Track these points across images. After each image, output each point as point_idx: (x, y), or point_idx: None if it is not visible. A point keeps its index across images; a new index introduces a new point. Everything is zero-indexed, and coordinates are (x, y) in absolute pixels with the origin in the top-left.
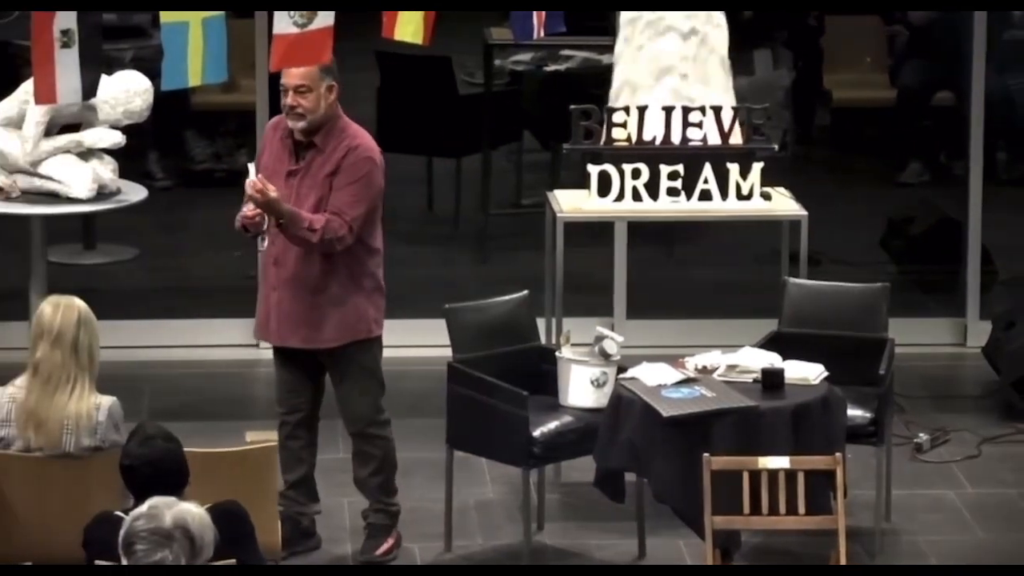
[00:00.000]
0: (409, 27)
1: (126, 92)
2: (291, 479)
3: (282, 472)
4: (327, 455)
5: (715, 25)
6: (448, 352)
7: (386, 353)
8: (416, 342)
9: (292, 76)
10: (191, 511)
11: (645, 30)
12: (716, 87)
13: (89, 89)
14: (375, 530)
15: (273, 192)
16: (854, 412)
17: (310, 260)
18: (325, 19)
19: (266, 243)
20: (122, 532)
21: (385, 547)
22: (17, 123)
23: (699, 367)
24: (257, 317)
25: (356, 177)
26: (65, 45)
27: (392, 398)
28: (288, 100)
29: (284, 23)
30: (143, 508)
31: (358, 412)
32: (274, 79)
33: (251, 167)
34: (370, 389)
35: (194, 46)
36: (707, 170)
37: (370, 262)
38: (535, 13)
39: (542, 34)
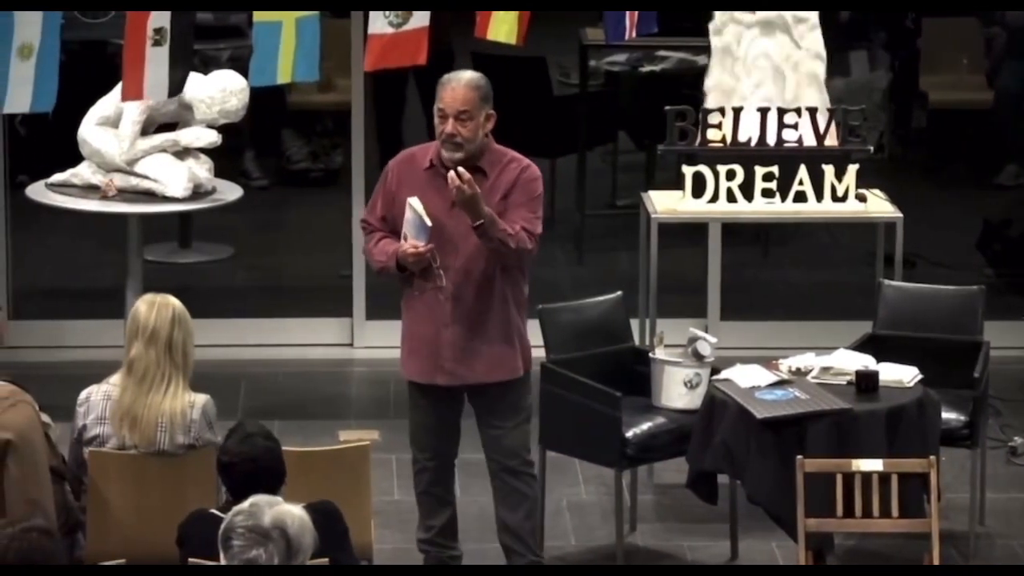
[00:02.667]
0: (503, 27)
1: (222, 91)
2: (437, 524)
3: (425, 518)
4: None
5: (810, 26)
6: (542, 353)
7: None
8: None
9: (454, 102)
10: (292, 512)
11: (739, 31)
12: (811, 88)
13: (175, 87)
14: None
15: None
16: (949, 415)
17: (488, 292)
18: (420, 19)
19: (443, 277)
20: (222, 526)
21: None
22: (114, 122)
23: (793, 369)
24: (414, 357)
25: (533, 195)
26: (157, 43)
27: None
28: (447, 128)
29: (379, 23)
30: (244, 505)
31: (513, 447)
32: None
33: (415, 201)
34: (525, 423)
35: (286, 45)
36: (802, 171)
37: (526, 291)
38: (628, 14)
39: (634, 35)
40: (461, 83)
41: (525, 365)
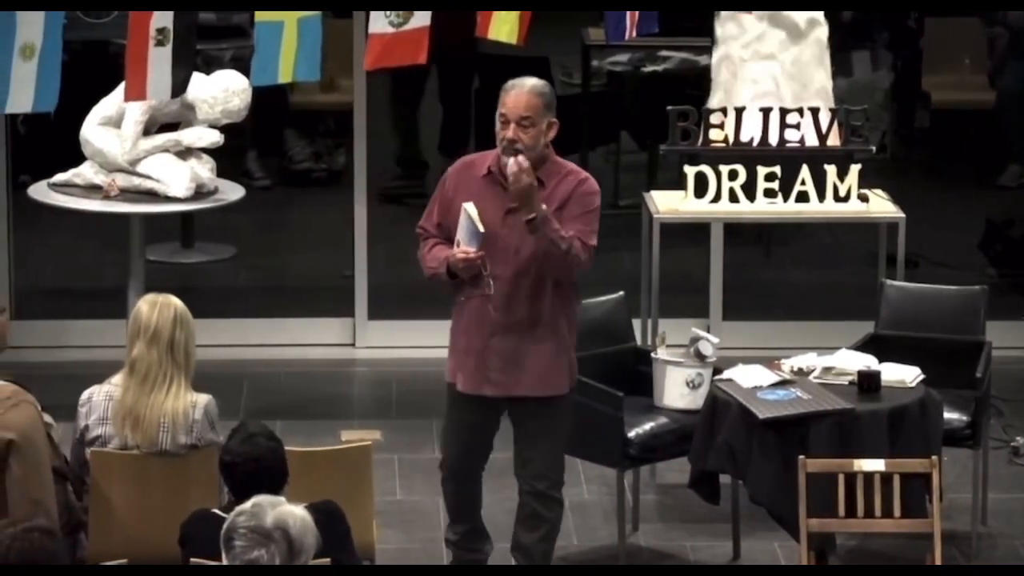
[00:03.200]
0: (504, 27)
1: (225, 91)
2: (462, 530)
3: (452, 523)
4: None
5: (815, 26)
6: None
7: None
8: None
9: (517, 107)
10: (294, 513)
11: (742, 31)
12: (814, 88)
13: (179, 87)
14: None
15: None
16: (951, 415)
17: (539, 305)
18: (421, 19)
19: (492, 286)
20: (224, 526)
21: None
22: (116, 122)
23: (795, 369)
24: (462, 366)
25: (590, 208)
26: (160, 43)
27: None
28: (508, 133)
29: (380, 23)
30: (247, 505)
31: (544, 470)
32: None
33: (470, 206)
34: (560, 445)
35: (288, 44)
36: (804, 171)
37: (578, 311)
38: (628, 14)
39: (634, 34)
40: (525, 89)
41: (571, 383)
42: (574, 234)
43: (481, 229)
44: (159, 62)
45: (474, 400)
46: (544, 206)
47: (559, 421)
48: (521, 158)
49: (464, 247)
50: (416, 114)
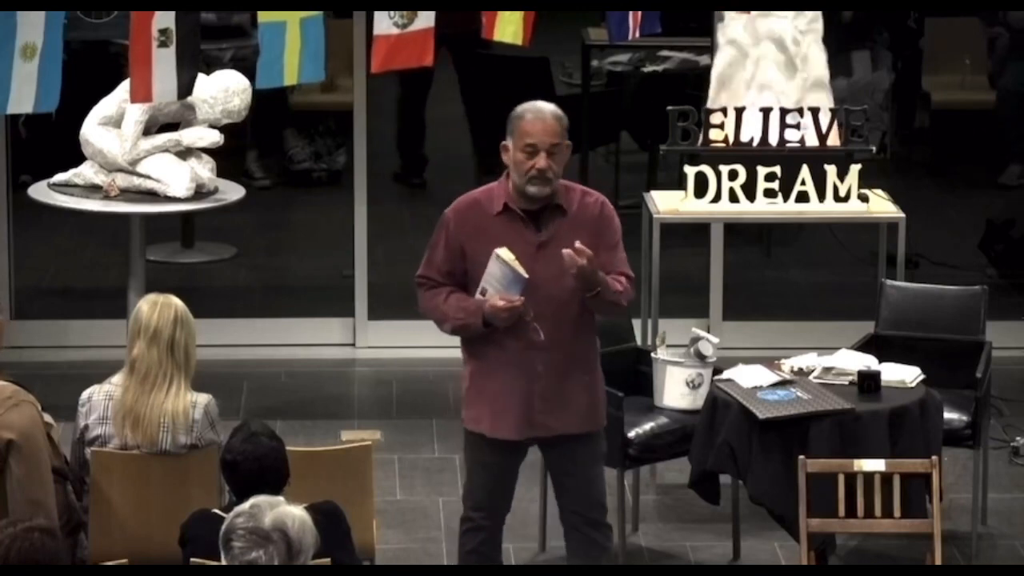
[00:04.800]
0: (509, 28)
1: (225, 91)
2: None
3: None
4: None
5: (812, 27)
6: None
7: None
8: None
9: (547, 135)
10: (292, 514)
11: (742, 31)
12: (814, 88)
13: (185, 88)
14: None
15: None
16: (951, 415)
17: (578, 338)
18: (426, 20)
19: (541, 332)
20: (223, 527)
21: None
22: (116, 122)
23: (795, 369)
24: (503, 415)
25: (619, 234)
26: (163, 44)
27: None
28: (539, 163)
29: (384, 24)
30: (245, 506)
31: (597, 498)
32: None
33: (504, 252)
34: (603, 471)
35: (291, 45)
36: (804, 172)
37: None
38: (631, 14)
39: (637, 35)
40: (549, 115)
41: (605, 413)
42: (624, 278)
43: (524, 274)
44: (163, 63)
45: (505, 443)
46: (601, 274)
47: (600, 448)
48: (577, 244)
49: (503, 295)
50: (423, 108)
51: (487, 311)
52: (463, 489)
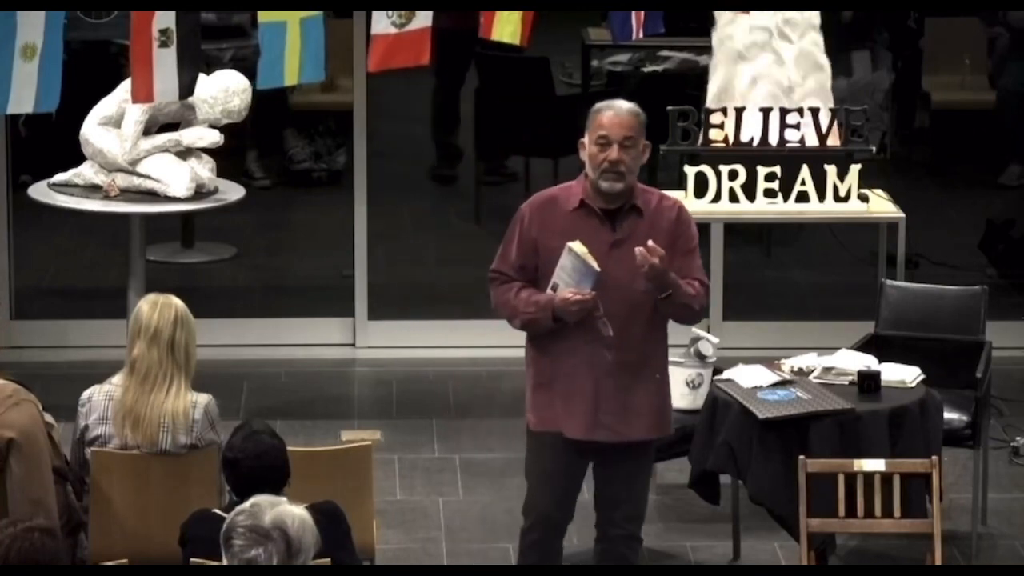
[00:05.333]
0: (507, 28)
1: (225, 91)
2: None
3: None
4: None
5: (812, 26)
6: None
7: (481, 354)
8: (513, 343)
9: (620, 127)
10: (292, 513)
11: (742, 31)
12: (814, 89)
13: (186, 89)
14: None
15: None
16: (951, 415)
17: (649, 339)
18: (424, 19)
19: (609, 327)
20: (224, 525)
21: None
22: (116, 122)
23: (795, 369)
24: (570, 414)
25: (695, 240)
26: (163, 44)
27: (489, 399)
28: (612, 155)
29: (382, 24)
30: (246, 504)
31: (638, 512)
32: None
33: (577, 245)
34: (648, 483)
35: (292, 46)
36: (804, 172)
37: None
38: (634, 14)
39: (641, 35)
40: (623, 109)
41: (671, 420)
42: (698, 282)
43: (596, 267)
44: (163, 63)
45: (572, 445)
46: (673, 276)
47: (651, 460)
48: (650, 243)
49: (574, 288)
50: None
51: (557, 305)
52: (525, 500)
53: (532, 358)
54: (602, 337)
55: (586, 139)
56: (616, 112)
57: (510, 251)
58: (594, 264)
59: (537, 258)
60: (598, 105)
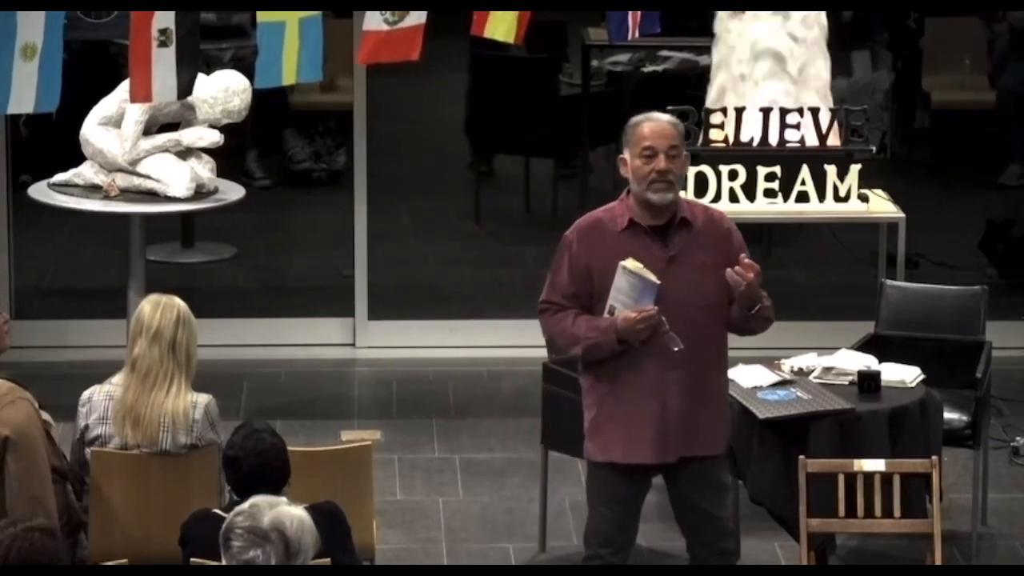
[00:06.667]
0: (501, 26)
1: (225, 91)
2: None
3: None
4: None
5: (814, 27)
6: (544, 353)
7: (483, 353)
8: (513, 343)
9: (664, 137)
10: (291, 514)
11: (742, 31)
12: (814, 88)
13: (184, 88)
14: None
15: None
16: (951, 415)
17: (711, 353)
18: (416, 18)
19: (678, 340)
20: (224, 525)
21: None
22: (116, 122)
23: (795, 369)
24: (640, 439)
25: (746, 247)
26: (163, 44)
27: (489, 399)
28: (660, 164)
29: (375, 21)
30: (245, 505)
31: (729, 527)
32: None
33: (630, 263)
34: (730, 496)
35: (290, 45)
36: (804, 172)
37: None
38: (630, 14)
39: (636, 35)
40: (663, 119)
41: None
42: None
43: (656, 280)
44: (163, 63)
45: (637, 470)
46: (761, 292)
47: (727, 472)
48: (745, 260)
49: (636, 307)
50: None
51: (620, 326)
52: (587, 527)
53: (589, 387)
54: (671, 353)
55: (627, 154)
56: (656, 122)
57: (559, 280)
58: (652, 277)
59: (591, 284)
60: (635, 119)
